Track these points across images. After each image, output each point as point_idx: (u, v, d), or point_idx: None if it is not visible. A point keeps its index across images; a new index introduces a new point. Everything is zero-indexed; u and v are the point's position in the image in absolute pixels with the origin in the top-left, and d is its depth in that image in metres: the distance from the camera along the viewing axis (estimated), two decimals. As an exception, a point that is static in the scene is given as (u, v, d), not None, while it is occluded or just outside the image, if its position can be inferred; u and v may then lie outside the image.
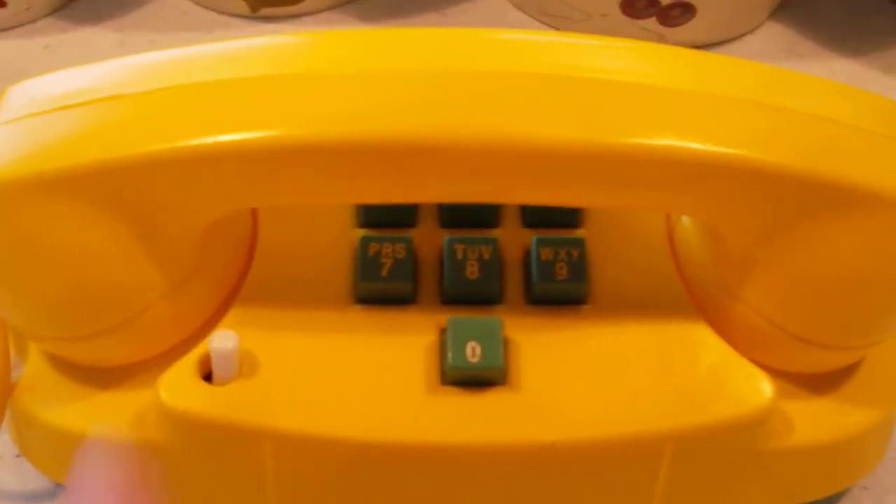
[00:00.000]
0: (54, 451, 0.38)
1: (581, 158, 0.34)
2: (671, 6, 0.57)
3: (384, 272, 0.37)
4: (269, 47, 0.35)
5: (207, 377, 0.35)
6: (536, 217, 0.39)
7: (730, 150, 0.33)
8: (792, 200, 0.34)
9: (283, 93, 0.34)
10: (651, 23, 0.58)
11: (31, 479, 0.41)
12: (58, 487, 0.40)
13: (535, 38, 0.37)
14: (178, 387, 0.35)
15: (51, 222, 0.34)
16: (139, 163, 0.33)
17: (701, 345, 0.37)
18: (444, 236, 0.38)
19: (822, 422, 0.37)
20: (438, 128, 0.33)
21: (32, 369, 0.38)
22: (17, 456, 0.41)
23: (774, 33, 0.62)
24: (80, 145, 0.33)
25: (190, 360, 0.35)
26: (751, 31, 0.61)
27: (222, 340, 0.34)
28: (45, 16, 0.61)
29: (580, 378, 0.36)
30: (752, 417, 0.36)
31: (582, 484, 0.36)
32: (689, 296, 0.38)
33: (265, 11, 0.60)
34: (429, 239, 0.39)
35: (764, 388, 0.36)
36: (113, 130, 0.33)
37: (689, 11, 0.57)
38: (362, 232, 0.38)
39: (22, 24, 0.60)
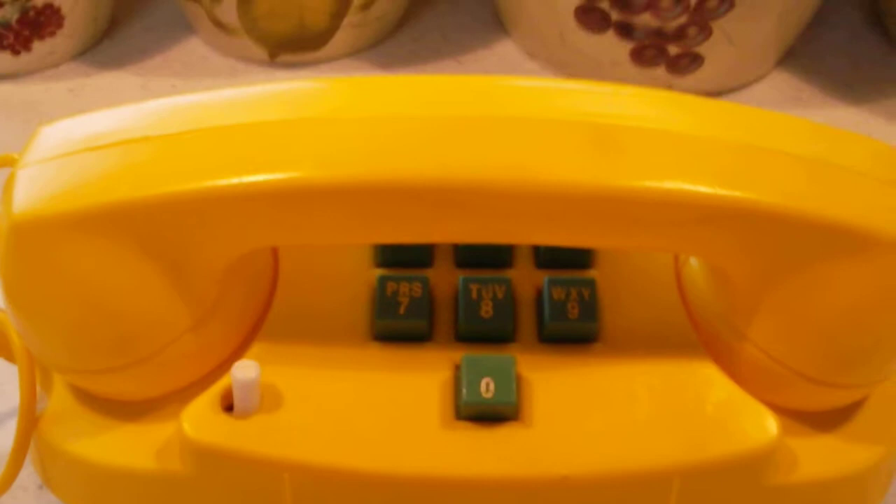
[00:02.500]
0: (78, 483, 0.39)
1: (591, 201, 0.35)
2: (680, 55, 0.58)
3: (401, 310, 0.38)
4: (291, 92, 0.37)
5: (229, 409, 0.36)
6: (549, 258, 0.40)
7: (735, 194, 0.34)
8: (796, 243, 0.35)
9: (304, 136, 0.35)
10: (660, 71, 0.59)
11: (53, 510, 0.42)
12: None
13: (546, 85, 0.39)
14: (200, 419, 0.36)
15: (80, 258, 0.35)
16: (166, 202, 0.34)
17: (708, 383, 0.37)
18: (460, 276, 0.39)
19: (826, 458, 0.38)
20: (453, 171, 0.34)
21: (57, 402, 0.39)
22: (40, 487, 0.42)
23: (780, 82, 0.63)
24: (110, 184, 0.34)
25: (212, 393, 0.36)
26: (757, 80, 0.62)
27: (244, 371, 0.35)
28: (69, 60, 0.62)
29: (591, 414, 0.37)
30: (757, 454, 0.36)
31: (592, 518, 0.37)
32: (697, 335, 0.39)
33: (284, 58, 0.61)
34: (444, 279, 0.40)
35: (769, 425, 0.36)
36: (141, 170, 0.35)
37: (697, 61, 0.59)
38: (380, 271, 0.39)
39: (47, 68, 0.61)
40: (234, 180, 0.34)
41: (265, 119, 0.35)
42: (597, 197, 0.35)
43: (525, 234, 0.36)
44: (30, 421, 0.38)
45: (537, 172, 0.34)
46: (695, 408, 0.37)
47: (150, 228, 0.35)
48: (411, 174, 0.34)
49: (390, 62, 0.63)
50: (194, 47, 0.63)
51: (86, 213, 0.34)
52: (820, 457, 0.38)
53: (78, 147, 0.35)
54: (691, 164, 0.35)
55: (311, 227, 0.36)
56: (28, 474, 0.42)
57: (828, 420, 0.39)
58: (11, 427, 0.39)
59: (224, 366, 0.37)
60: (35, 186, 0.35)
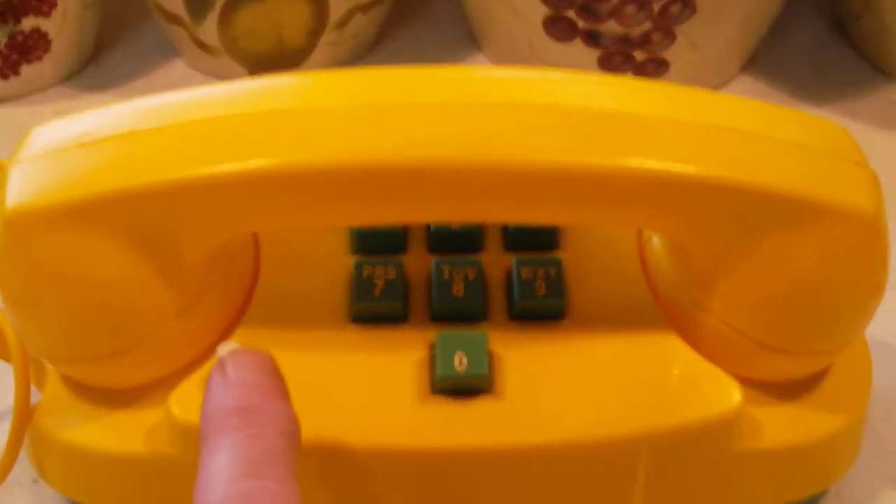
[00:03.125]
0: (71, 471, 0.40)
1: (551, 178, 0.36)
2: (646, 61, 0.60)
3: (377, 292, 0.39)
4: (266, 87, 0.38)
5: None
6: (517, 241, 0.42)
7: (688, 169, 0.36)
8: (747, 215, 0.37)
9: (279, 125, 0.36)
10: (627, 77, 0.61)
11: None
12: (74, 506, 0.42)
13: (508, 73, 0.40)
14: (187, 400, 0.37)
15: (68, 249, 0.36)
16: (152, 191, 0.36)
17: (672, 354, 0.39)
18: (433, 260, 0.41)
19: (791, 426, 0.39)
20: (422, 152, 0.36)
21: (50, 394, 0.40)
22: (35, 481, 0.43)
23: (745, 86, 0.64)
24: (97, 177, 0.36)
25: (199, 376, 0.38)
26: (722, 85, 0.64)
27: (229, 350, 0.36)
28: (56, 84, 0.63)
29: (560, 386, 0.38)
30: (721, 420, 0.38)
31: (564, 484, 0.38)
32: (660, 308, 0.40)
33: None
34: (418, 263, 0.41)
35: (732, 392, 0.38)
36: (127, 162, 0.36)
37: (662, 66, 0.60)
38: (356, 258, 0.41)
39: (34, 92, 0.63)
40: (214, 168, 0.35)
41: (241, 111, 0.37)
42: (558, 174, 0.36)
43: (491, 212, 0.38)
44: (24, 414, 0.40)
45: (501, 151, 0.36)
46: (659, 378, 0.38)
47: (136, 218, 0.36)
48: (381, 156, 0.36)
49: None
50: (178, 69, 0.65)
51: (74, 204, 0.36)
52: (784, 425, 0.39)
53: (66, 143, 0.37)
54: (647, 141, 0.36)
55: (287, 211, 0.37)
56: (23, 470, 0.43)
57: (792, 390, 0.40)
58: (4, 426, 0.40)
59: (210, 351, 0.38)
60: (26, 181, 0.36)
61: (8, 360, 0.40)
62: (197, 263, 0.38)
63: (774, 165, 0.37)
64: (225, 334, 0.39)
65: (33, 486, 0.43)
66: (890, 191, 0.39)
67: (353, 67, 0.64)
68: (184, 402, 0.37)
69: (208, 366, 0.37)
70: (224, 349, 0.36)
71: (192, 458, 0.36)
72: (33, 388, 0.40)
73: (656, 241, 0.41)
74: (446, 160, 0.36)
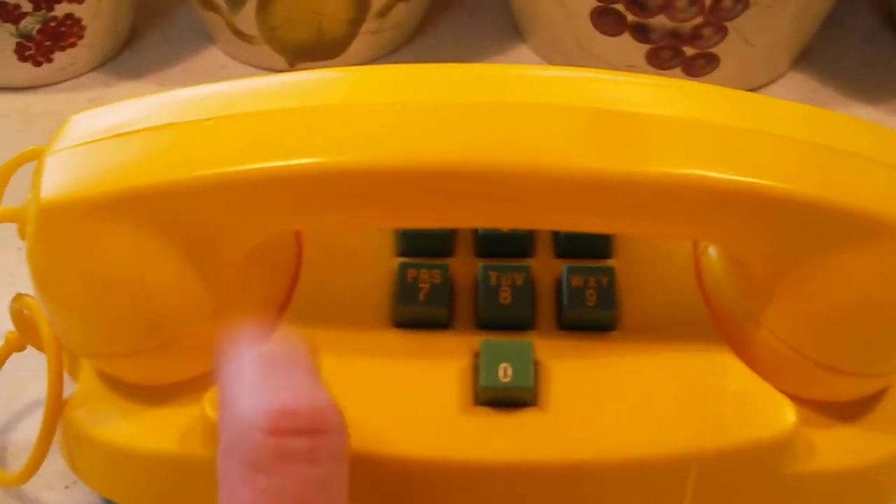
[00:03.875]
0: (103, 467, 0.39)
1: (606, 186, 0.35)
2: (696, 56, 0.59)
3: (421, 297, 0.38)
4: (311, 80, 0.37)
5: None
6: (568, 247, 0.40)
7: (750, 179, 0.35)
8: (812, 229, 0.35)
9: (325, 122, 0.35)
10: (677, 73, 0.59)
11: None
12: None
13: (563, 74, 0.39)
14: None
15: (105, 244, 0.35)
16: (190, 187, 0.35)
17: (725, 371, 0.38)
18: (480, 264, 0.39)
19: (845, 448, 0.38)
20: (473, 155, 0.35)
21: (84, 387, 0.39)
22: (67, 487, 0.43)
23: (796, 82, 0.63)
24: (135, 170, 0.35)
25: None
26: (773, 81, 0.63)
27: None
28: (89, 71, 0.63)
29: (608, 400, 0.37)
30: (774, 441, 0.37)
31: (609, 503, 0.37)
32: (715, 323, 0.39)
33: (303, 66, 0.62)
34: (465, 267, 0.40)
35: (786, 413, 0.37)
36: (166, 156, 0.35)
37: (713, 61, 0.59)
38: (401, 260, 0.40)
39: (68, 79, 0.62)
40: (256, 165, 0.35)
41: (286, 106, 0.36)
42: (612, 182, 0.35)
43: (542, 219, 0.37)
44: (57, 406, 0.39)
45: (554, 157, 0.35)
46: (712, 396, 0.37)
47: (173, 213, 0.35)
48: (431, 158, 0.35)
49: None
50: (214, 57, 0.64)
51: (111, 197, 0.35)
52: (839, 447, 0.38)
53: (104, 134, 0.36)
54: (707, 150, 0.35)
55: (330, 211, 0.36)
56: (56, 474, 0.42)
57: (848, 411, 0.39)
58: (38, 416, 0.39)
59: None
60: (62, 173, 0.36)
61: (42, 349, 0.40)
62: (236, 261, 0.37)
63: (840, 178, 0.35)
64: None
65: (65, 492, 0.43)
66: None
67: (399, 63, 0.63)
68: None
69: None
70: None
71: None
72: (67, 379, 0.40)
73: (713, 253, 0.40)
74: (496, 164, 0.35)
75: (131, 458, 0.38)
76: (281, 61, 0.62)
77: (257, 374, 0.31)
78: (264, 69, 0.62)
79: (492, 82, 0.37)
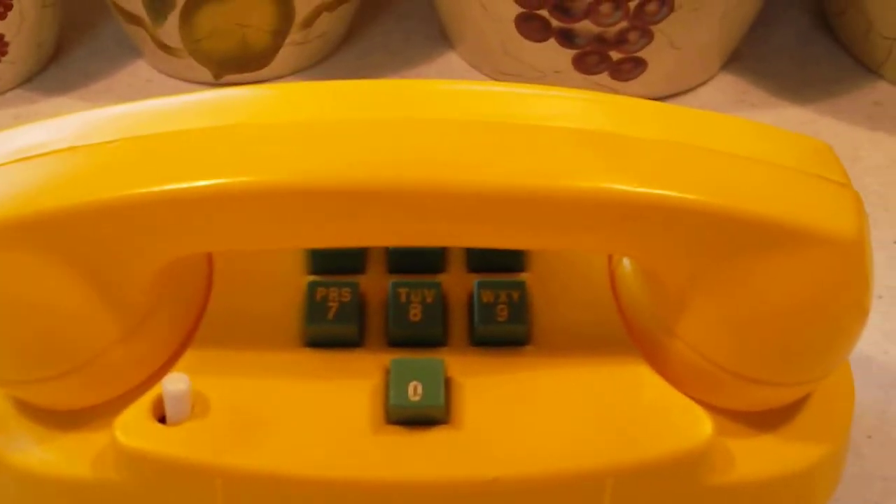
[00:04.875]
0: (16, 493, 0.39)
1: (516, 201, 0.35)
2: (622, 61, 0.58)
3: (330, 315, 0.38)
4: (216, 100, 0.37)
5: (162, 419, 0.36)
6: (480, 262, 0.40)
7: (658, 191, 0.35)
8: (722, 239, 0.35)
9: (230, 142, 0.35)
10: (604, 78, 0.59)
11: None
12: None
13: (474, 88, 0.39)
14: (132, 428, 0.36)
15: (7, 270, 0.35)
16: (90, 210, 0.34)
17: (641, 383, 0.38)
18: (391, 281, 0.39)
19: (766, 458, 0.38)
20: (382, 172, 0.34)
21: (-3, 413, 0.39)
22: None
23: (726, 84, 0.63)
24: (34, 195, 0.35)
25: (144, 402, 0.36)
26: (703, 83, 0.63)
27: (174, 383, 0.36)
28: (14, 87, 0.62)
29: (522, 416, 0.37)
30: (690, 453, 0.36)
31: (525, 520, 0.37)
32: (630, 335, 0.39)
33: (229, 78, 0.62)
34: (376, 284, 0.40)
35: (703, 423, 0.36)
36: (67, 180, 0.35)
37: (640, 65, 0.59)
38: (312, 278, 0.39)
39: (-8, 96, 0.61)
40: (158, 188, 0.34)
41: (190, 127, 0.35)
42: (521, 197, 0.35)
43: (451, 235, 0.37)
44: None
45: (461, 173, 0.35)
46: (627, 408, 0.37)
47: (74, 238, 0.35)
48: (336, 176, 0.34)
49: (334, 79, 0.62)
50: (140, 70, 0.63)
51: (11, 223, 0.34)
52: (759, 456, 0.38)
53: (5, 159, 0.36)
54: (615, 163, 0.35)
55: (236, 232, 0.36)
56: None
57: (768, 420, 0.39)
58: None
59: (161, 373, 0.37)
60: (-37, 199, 0.35)
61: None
62: (142, 285, 0.37)
63: (750, 187, 0.35)
64: (174, 357, 0.38)
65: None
66: (875, 189, 0.37)
67: (326, 74, 0.63)
68: (129, 427, 0.36)
69: (154, 390, 0.37)
70: (170, 382, 0.35)
71: (137, 485, 0.36)
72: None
73: (627, 264, 0.40)
74: (403, 181, 0.34)
75: (43, 483, 0.38)
76: (207, 73, 0.61)
77: None
78: (191, 81, 0.62)
79: (398, 98, 0.36)
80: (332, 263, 0.40)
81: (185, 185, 0.34)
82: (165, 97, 0.37)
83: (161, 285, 0.37)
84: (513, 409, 0.37)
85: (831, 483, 0.40)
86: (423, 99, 0.37)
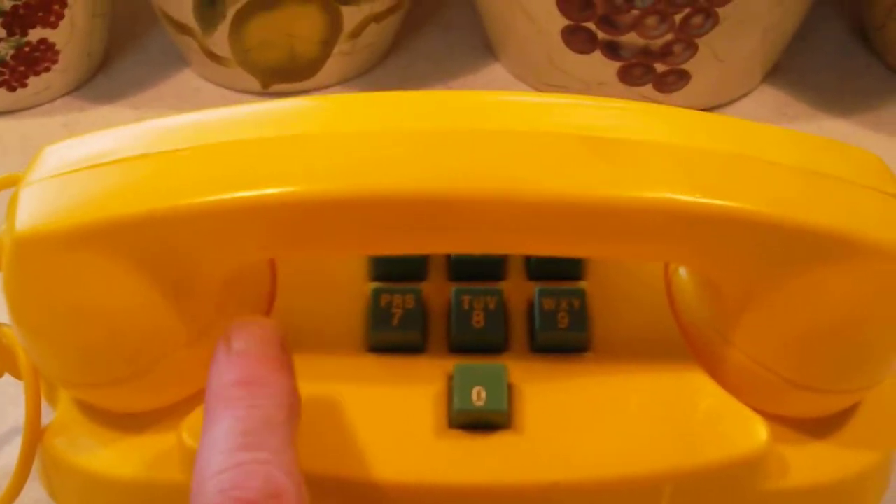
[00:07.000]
0: (83, 495, 0.39)
1: (579, 211, 0.35)
2: (667, 73, 0.59)
3: (394, 321, 0.38)
4: (285, 109, 0.37)
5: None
6: (540, 270, 0.41)
7: (721, 202, 0.35)
8: (782, 250, 0.36)
9: (299, 151, 0.35)
10: (647, 90, 0.60)
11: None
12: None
13: (534, 99, 0.39)
14: (199, 428, 0.35)
15: (80, 275, 0.35)
16: (164, 217, 0.35)
17: (697, 390, 0.38)
18: (453, 288, 0.40)
19: (818, 464, 0.38)
20: (445, 183, 0.35)
21: (62, 415, 0.39)
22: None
23: (767, 96, 0.63)
24: (108, 201, 0.35)
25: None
26: (744, 95, 0.63)
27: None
28: (63, 95, 0.63)
29: (581, 422, 0.37)
30: (746, 459, 0.37)
31: (584, 524, 0.37)
32: (687, 343, 0.39)
33: (276, 87, 0.62)
34: (438, 291, 0.40)
35: (759, 430, 0.37)
36: (140, 187, 0.35)
37: (684, 77, 0.59)
38: (375, 285, 0.40)
39: (42, 103, 0.62)
40: (229, 195, 0.35)
41: (260, 136, 0.36)
42: (585, 207, 0.35)
43: (515, 245, 0.37)
44: (35, 434, 0.39)
45: (525, 184, 0.35)
46: (685, 414, 0.37)
47: (147, 244, 0.35)
48: (403, 186, 0.35)
49: (381, 89, 0.63)
50: (187, 79, 0.64)
51: (85, 229, 0.35)
52: (812, 463, 0.38)
53: (79, 165, 0.36)
54: (677, 174, 0.35)
55: (303, 240, 0.36)
56: (35, 502, 0.42)
57: (821, 426, 0.39)
58: (16, 445, 0.39)
59: None
60: (37, 204, 0.36)
61: (19, 377, 0.40)
62: (210, 290, 0.37)
63: (807, 199, 0.36)
64: None
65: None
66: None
67: (373, 83, 0.63)
68: (196, 429, 0.36)
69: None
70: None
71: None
72: (46, 406, 0.40)
73: (684, 273, 0.40)
74: (468, 192, 0.35)
75: (110, 485, 0.38)
76: (255, 83, 0.62)
77: (228, 433, 0.32)
78: (238, 91, 0.63)
79: (462, 109, 0.37)
80: (393, 270, 0.40)
81: (255, 192, 0.35)
82: (232, 107, 0.38)
83: (227, 291, 0.37)
84: (572, 415, 0.37)
85: (881, 489, 0.41)
86: (486, 110, 0.37)
